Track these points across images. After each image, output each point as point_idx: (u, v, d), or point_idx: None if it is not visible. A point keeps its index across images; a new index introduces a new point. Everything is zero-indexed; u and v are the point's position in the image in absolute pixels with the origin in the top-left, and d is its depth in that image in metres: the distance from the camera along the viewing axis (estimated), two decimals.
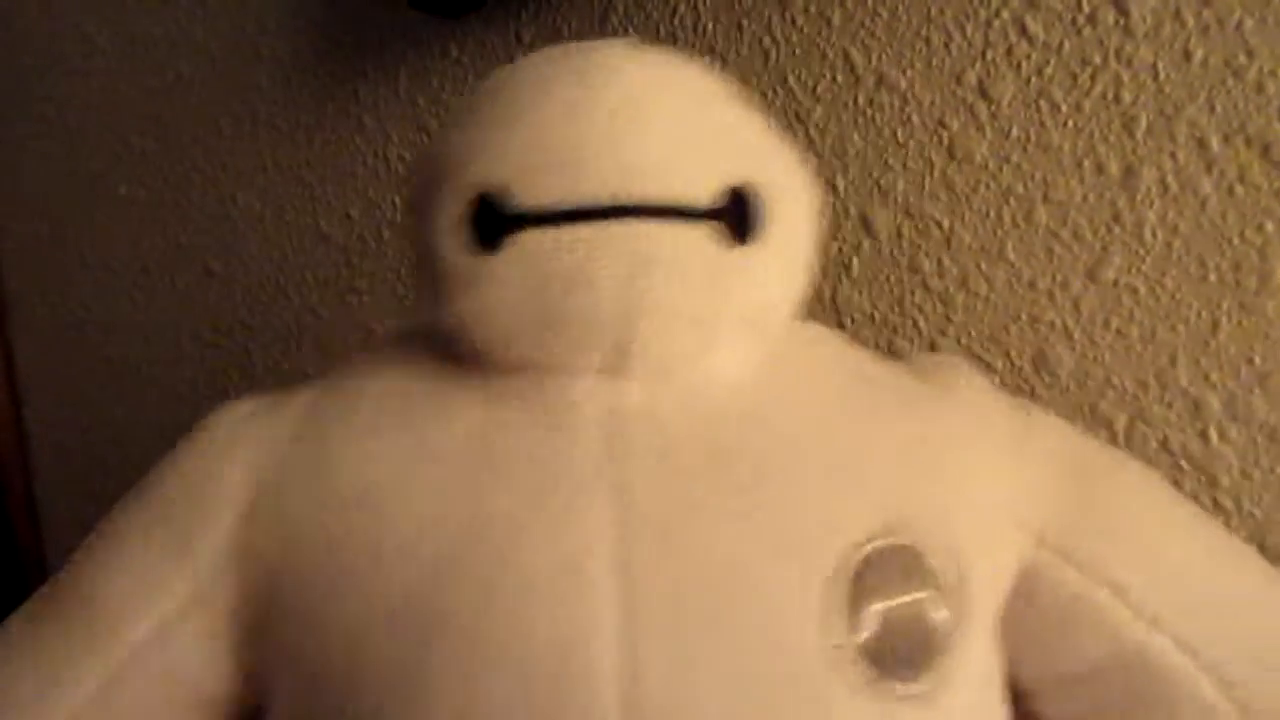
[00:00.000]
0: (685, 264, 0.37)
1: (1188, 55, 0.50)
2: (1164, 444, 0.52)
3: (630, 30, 0.68)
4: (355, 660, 0.36)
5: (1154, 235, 0.52)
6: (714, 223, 0.37)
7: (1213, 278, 0.50)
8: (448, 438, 0.39)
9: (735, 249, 0.38)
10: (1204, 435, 0.51)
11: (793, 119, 0.62)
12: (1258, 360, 0.50)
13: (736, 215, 0.38)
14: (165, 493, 0.42)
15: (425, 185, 0.41)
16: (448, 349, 0.42)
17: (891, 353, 0.60)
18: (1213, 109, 0.49)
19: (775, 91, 0.63)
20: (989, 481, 0.42)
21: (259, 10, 0.91)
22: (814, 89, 0.62)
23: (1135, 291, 0.52)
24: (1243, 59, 0.48)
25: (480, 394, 0.40)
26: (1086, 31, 0.52)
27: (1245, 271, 0.49)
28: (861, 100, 0.60)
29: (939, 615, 0.37)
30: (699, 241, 0.37)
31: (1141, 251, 0.52)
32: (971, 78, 0.56)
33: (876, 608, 0.36)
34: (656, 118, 0.38)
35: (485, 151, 0.38)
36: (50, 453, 1.21)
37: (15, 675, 0.41)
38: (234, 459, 0.41)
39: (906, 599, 0.37)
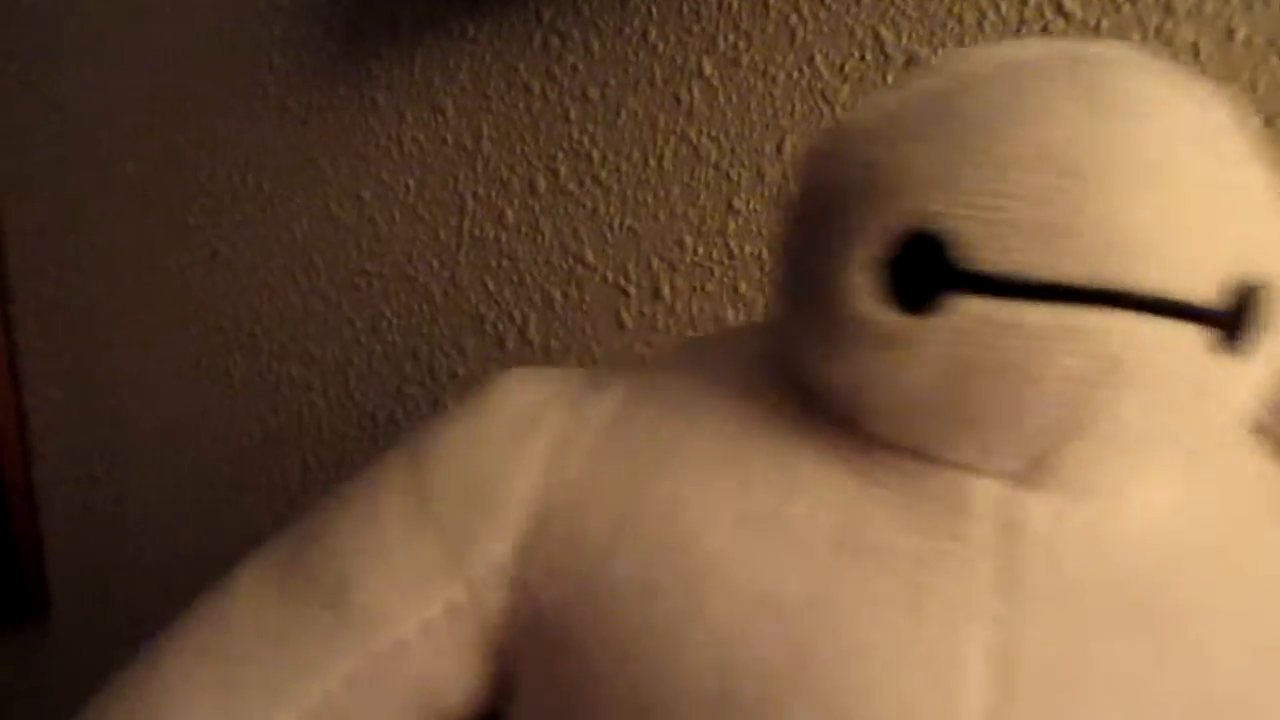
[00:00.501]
0: (1163, 376, 0.30)
1: (1230, 34, 0.49)
2: None
3: (654, 9, 0.67)
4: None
5: None
6: (1210, 325, 0.29)
7: None
8: (801, 506, 0.34)
9: (1224, 360, 0.30)
10: None
11: (819, 99, 0.61)
12: None
13: (1237, 317, 0.30)
14: (441, 481, 0.38)
15: (832, 196, 0.34)
16: (805, 393, 0.36)
17: None
18: (1255, 89, 0.48)
19: (801, 71, 0.62)
20: None
21: None
22: (841, 68, 0.61)
23: None
24: None
25: (845, 466, 0.34)
26: (1126, 9, 0.51)
27: None
28: (891, 80, 0.59)
29: None
30: (1188, 348, 0.29)
31: None
32: None
33: None
34: (1179, 183, 0.29)
35: (935, 178, 0.30)
36: (51, 439, 1.20)
37: (265, 650, 0.38)
38: (529, 456, 0.37)
39: None
